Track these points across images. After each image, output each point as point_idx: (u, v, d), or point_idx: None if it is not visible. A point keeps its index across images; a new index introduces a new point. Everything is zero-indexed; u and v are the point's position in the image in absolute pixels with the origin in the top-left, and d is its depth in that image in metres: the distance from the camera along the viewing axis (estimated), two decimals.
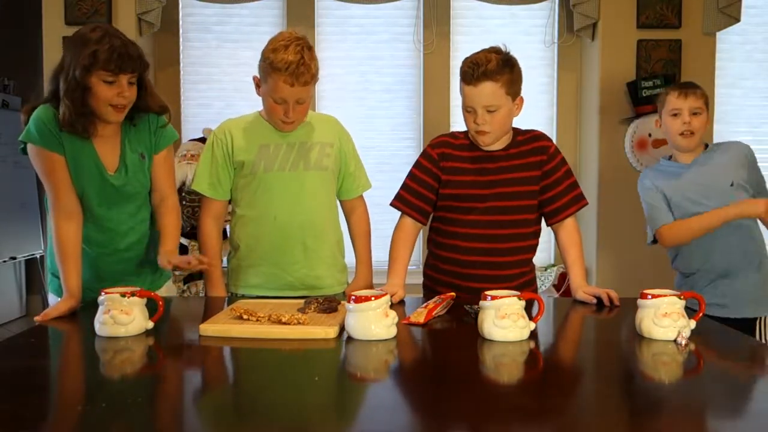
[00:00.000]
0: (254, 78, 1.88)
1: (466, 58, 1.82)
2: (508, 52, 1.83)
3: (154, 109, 1.79)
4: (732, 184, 2.10)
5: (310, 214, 1.92)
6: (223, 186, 1.93)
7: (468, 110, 1.83)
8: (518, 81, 1.84)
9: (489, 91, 1.78)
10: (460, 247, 1.90)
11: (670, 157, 2.24)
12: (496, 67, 1.77)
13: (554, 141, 4.21)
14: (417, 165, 1.94)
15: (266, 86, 1.82)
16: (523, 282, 1.94)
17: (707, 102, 2.17)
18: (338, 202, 2.06)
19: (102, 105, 1.66)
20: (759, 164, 2.21)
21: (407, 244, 1.93)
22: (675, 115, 2.13)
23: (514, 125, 1.93)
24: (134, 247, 1.85)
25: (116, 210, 1.79)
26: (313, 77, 1.81)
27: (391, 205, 1.95)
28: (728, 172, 2.12)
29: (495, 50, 1.82)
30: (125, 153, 1.77)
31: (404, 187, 1.95)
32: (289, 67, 1.74)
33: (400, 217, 1.95)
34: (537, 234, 1.96)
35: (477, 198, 1.88)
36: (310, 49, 1.80)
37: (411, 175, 1.94)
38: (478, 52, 1.82)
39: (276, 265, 1.92)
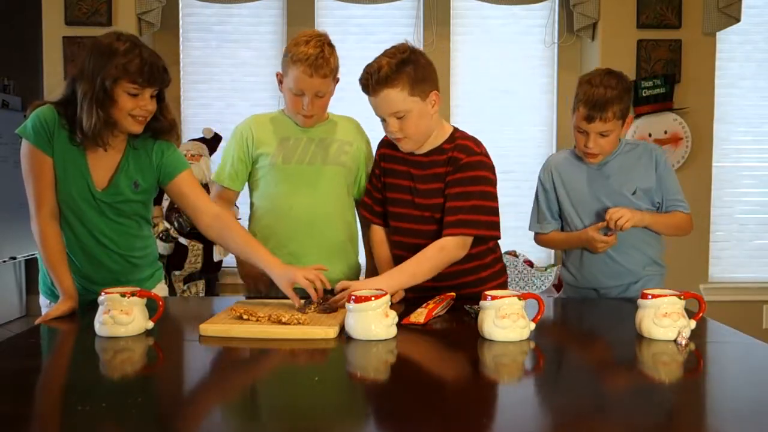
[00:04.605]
0: (277, 75, 1.93)
1: (364, 68, 1.73)
2: (407, 50, 1.70)
3: (164, 122, 1.74)
4: (634, 192, 1.97)
5: (326, 208, 1.95)
6: (240, 178, 1.97)
7: (381, 119, 1.76)
8: (424, 78, 1.70)
9: (389, 98, 1.69)
10: (398, 255, 1.85)
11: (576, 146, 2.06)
12: (389, 72, 1.66)
13: (554, 144, 4.18)
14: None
15: (287, 79, 1.87)
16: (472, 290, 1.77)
17: (624, 113, 1.92)
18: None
19: (123, 116, 1.64)
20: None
21: (385, 246, 1.92)
22: (581, 131, 1.95)
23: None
24: (123, 260, 1.80)
25: (107, 222, 1.75)
26: (332, 71, 1.86)
27: (358, 212, 1.98)
28: (632, 179, 1.98)
29: (390, 53, 1.70)
30: (119, 176, 1.73)
31: (365, 190, 1.97)
32: (308, 58, 1.79)
33: (368, 223, 1.96)
34: (483, 238, 1.78)
35: (402, 203, 1.84)
36: (331, 45, 1.86)
37: (368, 177, 1.96)
38: (373, 60, 1.72)
39: (290, 256, 1.92)
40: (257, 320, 1.47)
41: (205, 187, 3.53)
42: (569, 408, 1.05)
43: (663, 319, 1.38)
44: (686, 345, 1.35)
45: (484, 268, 1.85)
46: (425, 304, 1.63)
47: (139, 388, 1.16)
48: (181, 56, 4.02)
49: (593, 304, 1.95)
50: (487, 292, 1.41)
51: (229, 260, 3.77)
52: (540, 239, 2.14)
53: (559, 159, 2.11)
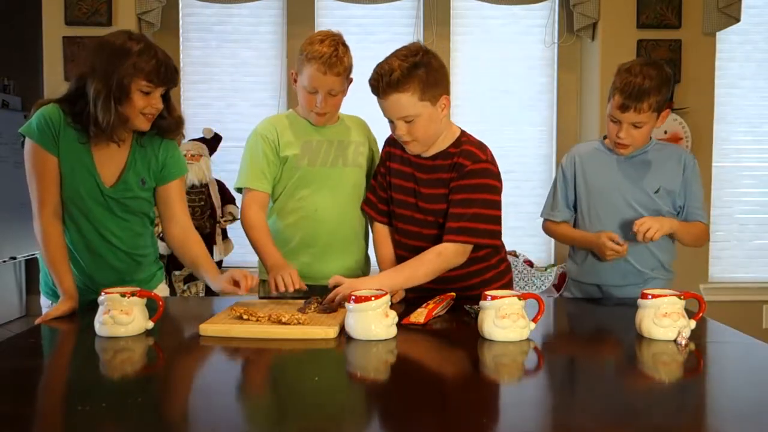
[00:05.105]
0: (292, 73, 1.96)
1: (374, 68, 1.69)
2: (420, 51, 1.66)
3: (170, 120, 1.76)
4: (657, 191, 1.94)
5: (346, 208, 1.98)
6: (268, 179, 1.97)
7: (388, 120, 1.74)
8: (436, 83, 1.67)
9: (399, 102, 1.65)
10: (400, 255, 1.85)
11: (605, 138, 2.02)
12: (400, 77, 1.62)
13: (554, 144, 4.18)
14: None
15: (301, 77, 1.90)
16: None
17: (660, 106, 1.87)
18: None
19: (135, 114, 1.66)
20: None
21: (387, 244, 1.92)
22: (614, 120, 1.90)
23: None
24: (128, 258, 1.81)
25: (114, 219, 1.76)
26: (346, 70, 1.89)
27: (362, 209, 1.97)
28: (657, 177, 1.94)
29: (401, 55, 1.65)
30: (128, 172, 1.74)
31: (369, 187, 1.96)
32: (322, 56, 1.83)
33: (372, 221, 1.96)
34: (483, 246, 1.76)
35: (405, 205, 1.83)
36: (345, 45, 1.90)
37: (374, 174, 1.96)
38: (384, 60, 1.68)
39: (311, 255, 1.95)
40: (257, 320, 1.47)
41: (205, 187, 3.54)
42: (569, 408, 1.05)
43: (663, 319, 1.38)
44: (686, 345, 1.35)
45: (488, 270, 1.85)
46: (425, 304, 1.63)
47: (139, 388, 1.16)
48: (181, 56, 4.02)
49: (593, 303, 1.95)
50: (487, 292, 1.41)
51: (229, 260, 3.77)
52: (549, 228, 2.09)
53: (586, 149, 2.07)
